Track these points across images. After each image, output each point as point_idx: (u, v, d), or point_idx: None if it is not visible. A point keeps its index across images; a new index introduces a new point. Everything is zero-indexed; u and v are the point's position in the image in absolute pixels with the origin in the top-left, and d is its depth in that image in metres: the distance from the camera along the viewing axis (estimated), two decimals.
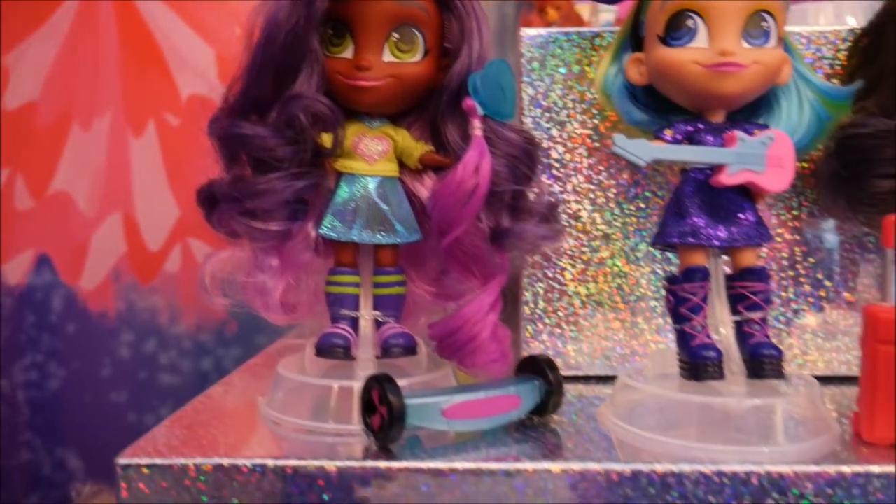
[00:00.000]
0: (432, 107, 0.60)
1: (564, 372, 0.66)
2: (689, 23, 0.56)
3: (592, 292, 0.70)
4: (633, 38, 0.61)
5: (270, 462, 0.51)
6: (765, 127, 0.59)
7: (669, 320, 0.59)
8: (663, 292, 0.59)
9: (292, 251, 0.60)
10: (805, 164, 0.67)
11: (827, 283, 0.69)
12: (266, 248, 0.60)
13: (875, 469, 0.50)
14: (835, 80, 0.66)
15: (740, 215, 0.57)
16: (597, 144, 0.69)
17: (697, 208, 0.57)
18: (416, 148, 0.61)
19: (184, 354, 1.19)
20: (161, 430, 0.57)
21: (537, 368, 0.59)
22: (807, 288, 0.69)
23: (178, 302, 1.19)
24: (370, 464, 0.51)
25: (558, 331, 0.71)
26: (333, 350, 0.58)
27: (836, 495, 0.50)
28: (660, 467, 0.50)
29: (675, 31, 0.56)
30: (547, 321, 0.71)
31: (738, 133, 0.56)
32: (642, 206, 0.69)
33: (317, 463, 0.51)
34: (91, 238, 1.19)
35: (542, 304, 0.71)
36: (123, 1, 1.17)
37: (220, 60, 1.14)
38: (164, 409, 1.17)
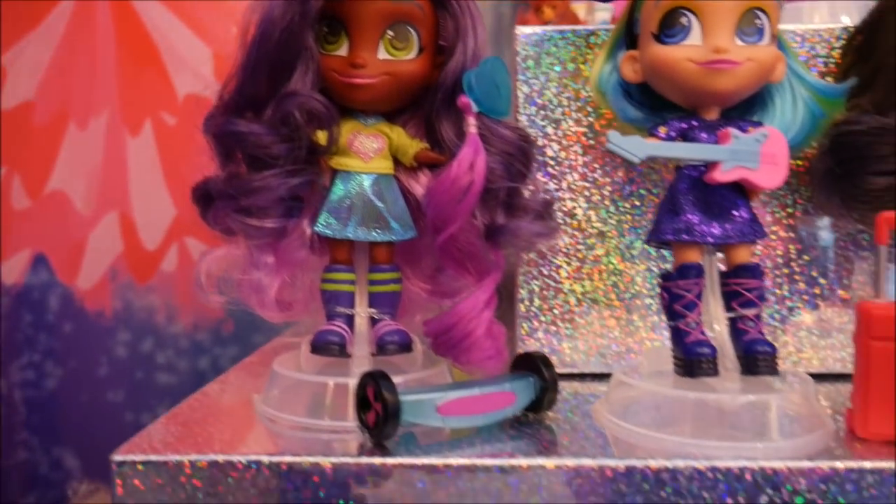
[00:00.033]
0: (427, 104, 0.61)
1: (560, 369, 0.66)
2: (683, 20, 0.56)
3: (588, 290, 0.70)
4: (628, 35, 0.61)
5: (266, 458, 0.51)
6: (759, 124, 0.59)
7: (664, 318, 0.59)
8: (658, 289, 0.59)
9: (287, 248, 0.60)
10: (799, 162, 0.68)
11: (821, 281, 0.69)
12: (261, 245, 0.60)
13: (868, 465, 0.50)
14: (829, 78, 0.66)
15: (734, 212, 0.57)
16: (592, 142, 0.69)
17: (692, 205, 0.57)
18: (411, 145, 0.61)
19: (181, 353, 1.19)
20: (157, 426, 0.57)
21: (532, 365, 0.59)
22: (801, 285, 0.70)
23: (174, 301, 1.19)
24: (365, 460, 0.51)
25: (554, 328, 0.71)
26: (329, 347, 0.58)
27: (829, 491, 0.50)
28: (654, 463, 0.50)
29: (670, 28, 0.57)
30: (542, 319, 0.71)
31: (732, 130, 0.56)
32: (637, 203, 0.69)
33: (312, 459, 0.51)
34: (88, 237, 1.19)
35: (537, 302, 0.71)
36: (120, 0, 1.17)
37: (217, 59, 1.14)
38: (161, 408, 1.17)
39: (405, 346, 0.60)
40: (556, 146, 0.69)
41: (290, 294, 0.63)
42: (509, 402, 0.57)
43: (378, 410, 0.52)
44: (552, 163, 0.69)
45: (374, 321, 0.61)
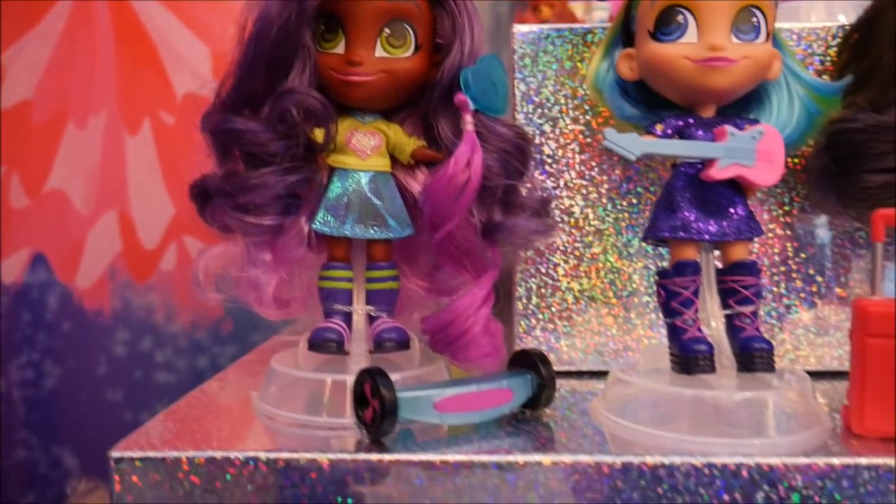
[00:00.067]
0: (424, 102, 0.61)
1: (557, 367, 0.66)
2: (680, 18, 0.56)
3: (585, 288, 0.70)
4: (625, 33, 0.62)
5: (263, 455, 0.51)
6: (755, 122, 0.59)
7: (662, 315, 0.59)
8: (655, 287, 0.59)
9: (285, 246, 0.60)
10: (796, 160, 0.68)
11: (818, 279, 0.70)
12: (259, 242, 0.60)
13: (864, 461, 0.50)
14: (825, 77, 0.67)
15: (731, 209, 0.57)
16: (589, 140, 0.69)
17: (688, 203, 0.57)
18: (409, 143, 0.61)
19: (179, 352, 1.19)
20: (154, 423, 0.58)
21: (529, 362, 0.59)
22: (798, 283, 0.70)
23: (173, 300, 1.19)
24: (362, 457, 0.51)
25: (551, 326, 0.71)
26: (326, 344, 0.58)
27: (825, 487, 0.50)
28: (650, 459, 0.51)
29: (666, 26, 0.57)
30: (540, 317, 0.71)
31: (728, 128, 0.57)
32: (634, 201, 0.70)
33: (309, 456, 0.51)
34: (86, 236, 1.19)
35: (535, 300, 0.71)
36: (119, 0, 1.17)
37: (216, 59, 1.14)
38: (160, 407, 1.15)
39: (403, 344, 0.60)
40: (553, 144, 0.69)
41: (288, 292, 0.63)
42: (506, 399, 0.57)
43: (375, 407, 0.52)
44: (549, 161, 0.70)
45: (371, 318, 0.61)
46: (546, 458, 0.51)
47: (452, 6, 0.59)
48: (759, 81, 0.59)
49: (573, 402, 0.63)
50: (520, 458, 0.51)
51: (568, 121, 0.69)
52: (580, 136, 0.69)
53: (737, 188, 0.58)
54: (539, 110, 0.69)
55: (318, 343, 0.59)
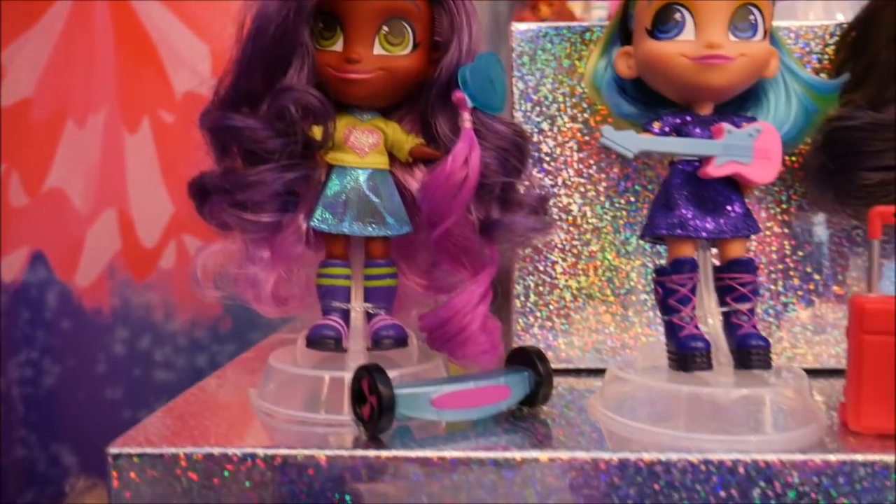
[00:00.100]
0: (422, 100, 0.61)
1: (555, 365, 0.66)
2: (677, 16, 0.57)
3: (583, 286, 0.71)
4: (622, 31, 0.62)
5: (260, 451, 0.51)
6: (752, 119, 0.59)
7: (659, 313, 0.59)
8: (653, 285, 0.60)
9: (283, 243, 0.60)
10: (794, 158, 0.68)
11: (816, 277, 0.70)
12: (257, 240, 0.60)
13: (860, 458, 0.50)
14: (823, 75, 0.67)
15: (728, 207, 0.58)
16: (587, 138, 0.69)
17: (685, 200, 0.57)
18: (407, 141, 0.61)
19: (178, 351, 1.19)
20: (152, 420, 0.58)
21: (527, 359, 0.59)
22: (796, 281, 0.70)
23: (172, 298, 1.19)
24: (359, 453, 0.51)
25: (549, 324, 0.71)
26: (324, 341, 0.59)
27: (822, 484, 0.50)
28: (647, 456, 0.51)
29: (663, 24, 0.57)
30: (538, 314, 0.71)
31: (726, 125, 0.57)
32: (632, 199, 0.70)
33: (306, 452, 0.51)
34: (86, 235, 1.19)
35: (533, 298, 0.71)
36: None
37: (215, 57, 1.14)
38: (159, 406, 1.16)
39: (401, 341, 0.60)
40: (551, 142, 0.70)
41: (287, 289, 0.63)
42: (504, 395, 0.57)
43: (373, 404, 0.53)
44: (547, 159, 0.70)
45: (369, 316, 0.61)
46: (543, 455, 0.51)
47: (451, 4, 0.59)
48: (757, 79, 0.59)
49: (571, 400, 0.64)
50: (517, 454, 0.51)
51: (566, 119, 0.69)
52: (578, 135, 0.69)
53: (734, 186, 0.58)
54: (537, 108, 0.70)
55: (316, 340, 0.59)
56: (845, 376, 0.55)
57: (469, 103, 0.57)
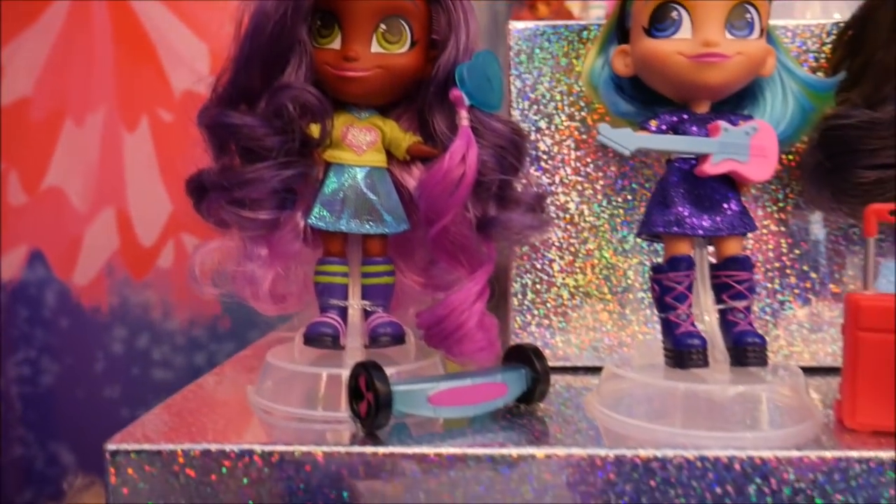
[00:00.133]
0: (420, 98, 0.61)
1: (552, 363, 0.66)
2: (674, 14, 0.57)
3: (580, 284, 0.71)
4: (619, 30, 0.62)
5: (258, 447, 0.51)
6: (749, 118, 0.59)
7: (656, 311, 0.59)
8: (650, 282, 0.60)
9: (281, 241, 0.61)
10: (790, 157, 0.68)
11: (813, 275, 0.70)
12: (255, 237, 0.60)
13: (855, 454, 0.50)
14: (820, 74, 0.67)
15: (724, 205, 0.58)
16: (584, 137, 0.70)
17: (682, 198, 0.58)
18: (404, 139, 0.61)
19: (177, 350, 1.20)
20: (150, 417, 0.58)
21: (524, 357, 0.60)
22: (793, 280, 0.70)
23: (171, 297, 1.19)
24: (357, 449, 0.51)
25: (546, 322, 0.71)
26: (322, 339, 0.59)
27: (817, 480, 0.50)
28: (643, 452, 0.51)
29: (660, 22, 0.57)
30: (535, 312, 0.71)
31: (722, 123, 0.57)
32: (629, 198, 0.70)
33: (304, 448, 0.51)
34: (84, 233, 1.19)
35: (530, 296, 0.71)
36: None
37: (213, 56, 1.15)
38: (157, 404, 1.17)
39: (398, 338, 0.60)
40: (548, 141, 0.70)
41: (284, 286, 0.63)
42: (501, 392, 0.57)
43: (370, 400, 0.53)
44: (545, 157, 0.70)
45: (367, 313, 0.61)
46: (540, 452, 0.51)
47: (448, 3, 0.60)
48: (753, 77, 0.59)
49: (568, 398, 0.64)
50: (514, 451, 0.51)
51: (563, 117, 0.70)
52: (575, 133, 0.70)
53: (731, 184, 0.58)
54: (535, 107, 0.70)
55: (314, 337, 0.59)
56: (841, 374, 0.55)
57: (466, 101, 0.57)
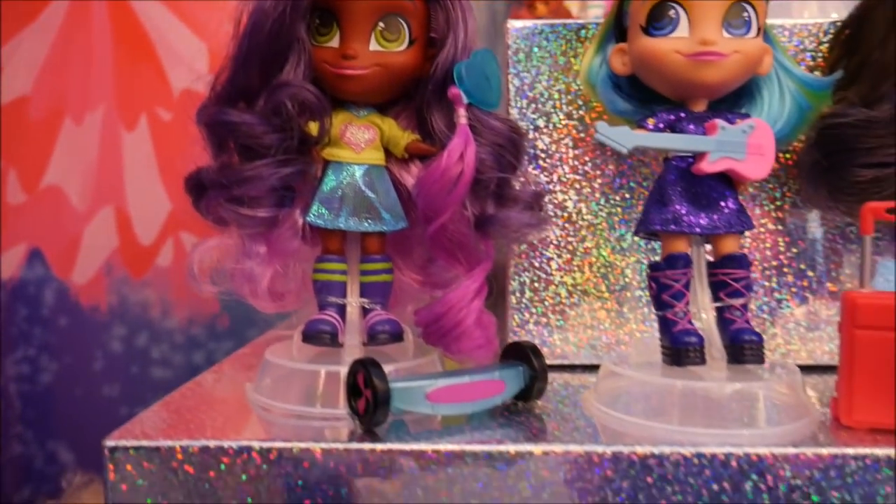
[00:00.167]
0: (419, 96, 0.61)
1: (550, 361, 0.66)
2: (671, 13, 0.57)
3: (578, 282, 0.71)
4: (617, 28, 0.62)
5: (256, 444, 0.52)
6: (746, 116, 0.59)
7: (653, 309, 0.60)
8: (647, 280, 0.60)
9: (280, 238, 0.61)
10: (788, 155, 0.68)
11: (810, 274, 0.70)
12: (254, 235, 0.60)
13: (850, 451, 0.50)
14: (817, 73, 0.67)
15: (721, 203, 0.58)
16: (582, 135, 0.70)
17: (679, 196, 0.58)
18: (403, 137, 0.61)
19: (175, 348, 1.20)
20: (149, 413, 0.58)
21: (522, 354, 0.60)
22: (790, 278, 0.70)
23: (169, 296, 1.19)
24: (355, 446, 0.52)
25: (544, 320, 0.71)
26: (320, 336, 0.59)
27: (813, 477, 0.50)
28: (640, 449, 0.51)
29: (658, 21, 0.57)
30: (533, 310, 0.71)
31: (719, 121, 0.57)
32: (627, 196, 0.70)
33: (302, 445, 0.51)
34: (83, 232, 1.19)
35: (528, 294, 0.71)
36: None
37: (212, 55, 1.15)
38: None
39: (396, 336, 0.60)
40: (546, 139, 0.70)
41: (283, 284, 0.63)
42: (499, 390, 0.57)
43: (368, 397, 0.53)
44: (543, 156, 0.70)
45: (365, 311, 0.61)
46: (537, 448, 0.51)
47: (446, 1, 0.60)
48: (750, 76, 0.60)
49: (566, 396, 0.64)
50: (511, 447, 0.51)
51: (561, 116, 0.70)
52: (574, 132, 0.70)
53: (728, 182, 0.59)
54: (533, 105, 0.70)
55: (312, 335, 0.59)
56: (837, 371, 0.56)
57: (465, 99, 0.57)
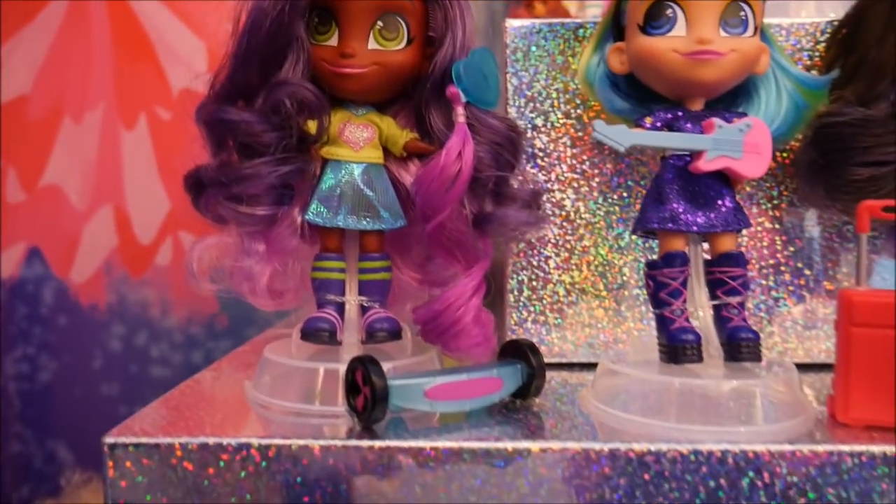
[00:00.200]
0: (417, 95, 0.61)
1: (548, 359, 0.67)
2: (669, 12, 0.57)
3: (576, 280, 0.71)
4: (615, 28, 0.62)
5: (255, 441, 0.52)
6: (743, 115, 0.60)
7: (651, 307, 0.60)
8: (644, 278, 0.60)
9: (279, 237, 0.61)
10: (785, 154, 0.69)
11: (807, 273, 0.70)
12: (252, 233, 0.61)
13: (846, 448, 0.51)
14: (814, 72, 0.67)
15: (719, 201, 0.58)
16: (580, 134, 0.70)
17: (677, 194, 0.58)
18: (401, 135, 0.62)
19: (175, 347, 1.20)
20: (148, 411, 0.58)
21: (520, 352, 0.60)
22: (787, 277, 0.70)
23: (169, 295, 1.19)
24: (353, 443, 0.52)
25: (542, 318, 0.71)
26: (319, 334, 0.59)
27: (810, 474, 0.51)
28: (637, 446, 0.51)
29: (655, 20, 0.58)
30: (531, 309, 0.72)
31: (716, 120, 0.57)
32: (625, 195, 0.70)
33: (301, 442, 0.52)
34: (82, 231, 1.19)
35: (526, 293, 0.72)
36: None
37: (211, 54, 1.15)
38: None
39: (395, 334, 0.60)
40: (544, 138, 0.70)
41: (282, 282, 0.63)
42: (497, 387, 0.58)
43: (367, 394, 0.53)
44: (541, 154, 0.70)
45: (364, 309, 0.61)
46: (535, 446, 0.52)
47: (445, 0, 0.60)
48: (747, 75, 0.60)
49: (563, 394, 0.64)
50: (509, 445, 0.52)
51: (559, 115, 0.70)
52: (572, 130, 0.70)
53: (725, 180, 0.59)
54: (531, 104, 0.70)
55: (311, 332, 0.59)
56: (834, 369, 0.56)
57: (463, 98, 0.57)
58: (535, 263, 0.71)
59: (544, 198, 0.69)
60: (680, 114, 0.59)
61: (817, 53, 0.68)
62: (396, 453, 0.52)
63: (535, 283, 0.71)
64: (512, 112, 0.70)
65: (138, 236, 1.19)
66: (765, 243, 0.70)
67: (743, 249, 0.67)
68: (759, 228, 0.70)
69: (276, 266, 0.62)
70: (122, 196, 1.19)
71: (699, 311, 0.59)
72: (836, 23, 0.67)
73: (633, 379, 0.59)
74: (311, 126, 0.59)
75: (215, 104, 0.59)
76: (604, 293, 0.71)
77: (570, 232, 0.71)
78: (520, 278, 0.71)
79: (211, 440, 0.52)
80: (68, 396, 1.20)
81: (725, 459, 0.51)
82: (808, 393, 0.63)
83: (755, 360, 0.57)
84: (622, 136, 0.56)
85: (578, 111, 0.70)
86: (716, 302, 0.58)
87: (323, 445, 0.52)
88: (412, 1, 0.59)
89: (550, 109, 0.70)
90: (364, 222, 0.60)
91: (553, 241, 0.71)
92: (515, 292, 0.71)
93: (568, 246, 0.71)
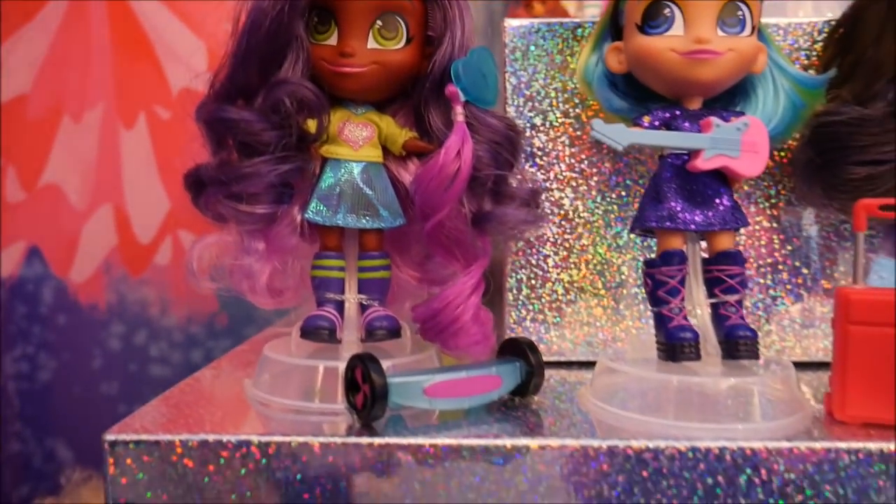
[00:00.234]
0: (416, 94, 0.62)
1: (547, 358, 0.67)
2: (667, 11, 0.57)
3: (575, 279, 0.71)
4: (613, 27, 0.63)
5: (255, 438, 0.52)
6: (741, 114, 0.60)
7: (649, 305, 0.60)
8: (642, 276, 0.60)
9: (278, 235, 0.61)
10: (782, 153, 0.69)
11: (804, 271, 0.71)
12: (252, 231, 0.61)
13: (843, 446, 0.51)
14: (811, 71, 0.68)
15: (716, 200, 0.58)
16: (579, 133, 0.70)
17: (675, 193, 0.58)
18: (401, 134, 0.62)
19: (174, 346, 1.20)
20: (148, 409, 0.58)
21: (518, 350, 0.60)
22: (784, 275, 0.71)
23: (168, 294, 1.20)
24: (353, 440, 0.52)
25: (541, 317, 0.72)
26: (318, 332, 0.59)
27: (807, 471, 0.51)
28: (636, 444, 0.51)
29: (653, 19, 0.58)
30: (530, 307, 0.72)
31: (714, 119, 0.58)
32: (623, 194, 0.70)
33: (300, 439, 0.52)
34: (81, 230, 1.19)
35: (525, 291, 0.72)
36: None
37: (211, 54, 1.15)
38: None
39: (394, 332, 0.60)
40: (543, 137, 0.70)
41: (281, 281, 0.64)
42: (496, 385, 0.58)
43: (366, 392, 0.53)
44: (540, 154, 0.71)
45: (363, 307, 0.62)
46: (533, 443, 0.52)
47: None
48: (745, 74, 0.60)
49: (562, 392, 0.64)
50: (508, 442, 0.52)
51: (558, 114, 0.70)
52: (570, 130, 0.70)
53: (722, 179, 0.59)
54: (530, 103, 0.70)
55: (311, 331, 0.59)
56: (831, 367, 0.56)
57: (462, 97, 0.57)
58: (533, 262, 0.71)
59: (543, 196, 0.70)
60: (678, 113, 0.59)
61: (814, 53, 0.68)
62: (396, 451, 0.52)
63: (533, 282, 0.72)
64: (510, 111, 0.70)
65: (138, 235, 1.19)
66: (762, 242, 0.71)
67: (741, 248, 0.68)
68: (757, 227, 0.70)
69: (275, 264, 0.62)
70: (121, 195, 1.19)
71: (697, 309, 0.59)
72: (833, 22, 0.67)
73: (632, 377, 0.59)
74: (311, 125, 0.59)
75: (215, 103, 0.59)
76: (602, 292, 0.71)
77: (568, 231, 0.71)
78: (518, 277, 0.72)
79: (211, 437, 0.52)
80: (68, 395, 1.20)
81: (723, 457, 0.51)
82: (806, 391, 0.63)
83: (753, 357, 0.57)
84: (620, 135, 0.56)
85: (577, 110, 0.70)
86: (714, 300, 0.59)
87: (322, 443, 0.52)
88: (411, 0, 0.59)
89: (549, 109, 0.70)
90: (363, 221, 0.61)
91: (552, 239, 0.71)
92: (514, 291, 0.72)
93: (566, 244, 0.71)
